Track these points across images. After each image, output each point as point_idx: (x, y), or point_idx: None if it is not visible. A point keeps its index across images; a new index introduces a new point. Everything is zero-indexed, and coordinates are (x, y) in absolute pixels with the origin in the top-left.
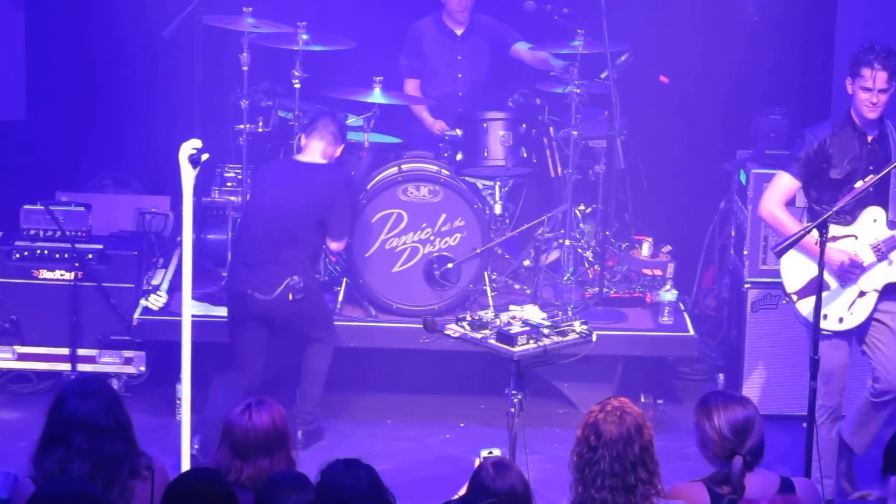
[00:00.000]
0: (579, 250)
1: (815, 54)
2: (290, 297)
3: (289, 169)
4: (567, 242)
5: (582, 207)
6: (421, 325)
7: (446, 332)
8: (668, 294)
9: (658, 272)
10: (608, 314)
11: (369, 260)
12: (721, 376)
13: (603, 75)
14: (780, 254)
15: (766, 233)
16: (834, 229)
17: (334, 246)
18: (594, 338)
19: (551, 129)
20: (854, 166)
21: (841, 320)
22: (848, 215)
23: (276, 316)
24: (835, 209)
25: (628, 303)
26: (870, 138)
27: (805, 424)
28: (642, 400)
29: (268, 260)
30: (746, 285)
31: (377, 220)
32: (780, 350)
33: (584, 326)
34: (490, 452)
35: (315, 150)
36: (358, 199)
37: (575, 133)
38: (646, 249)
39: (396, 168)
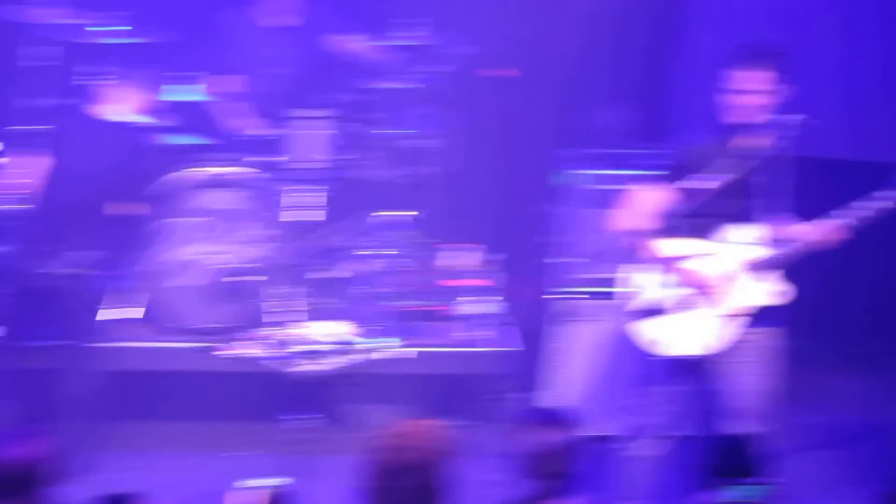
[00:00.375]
0: (393, 259)
1: (655, 48)
2: (71, 272)
3: (89, 128)
4: (380, 251)
5: (399, 212)
6: (208, 346)
7: (233, 351)
8: (482, 306)
9: (476, 282)
10: (415, 329)
11: (156, 272)
12: (530, 394)
13: (431, 69)
14: (622, 267)
15: (589, 239)
16: (695, 246)
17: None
18: (398, 354)
19: (372, 127)
20: (728, 175)
21: (696, 345)
22: (710, 231)
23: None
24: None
25: (437, 317)
26: None
27: (615, 444)
28: (446, 422)
29: (62, 235)
30: (565, 294)
31: (169, 228)
32: (596, 365)
33: (389, 342)
34: (256, 485)
35: (120, 105)
36: (159, 171)
37: (397, 132)
38: (464, 258)
39: (195, 171)
